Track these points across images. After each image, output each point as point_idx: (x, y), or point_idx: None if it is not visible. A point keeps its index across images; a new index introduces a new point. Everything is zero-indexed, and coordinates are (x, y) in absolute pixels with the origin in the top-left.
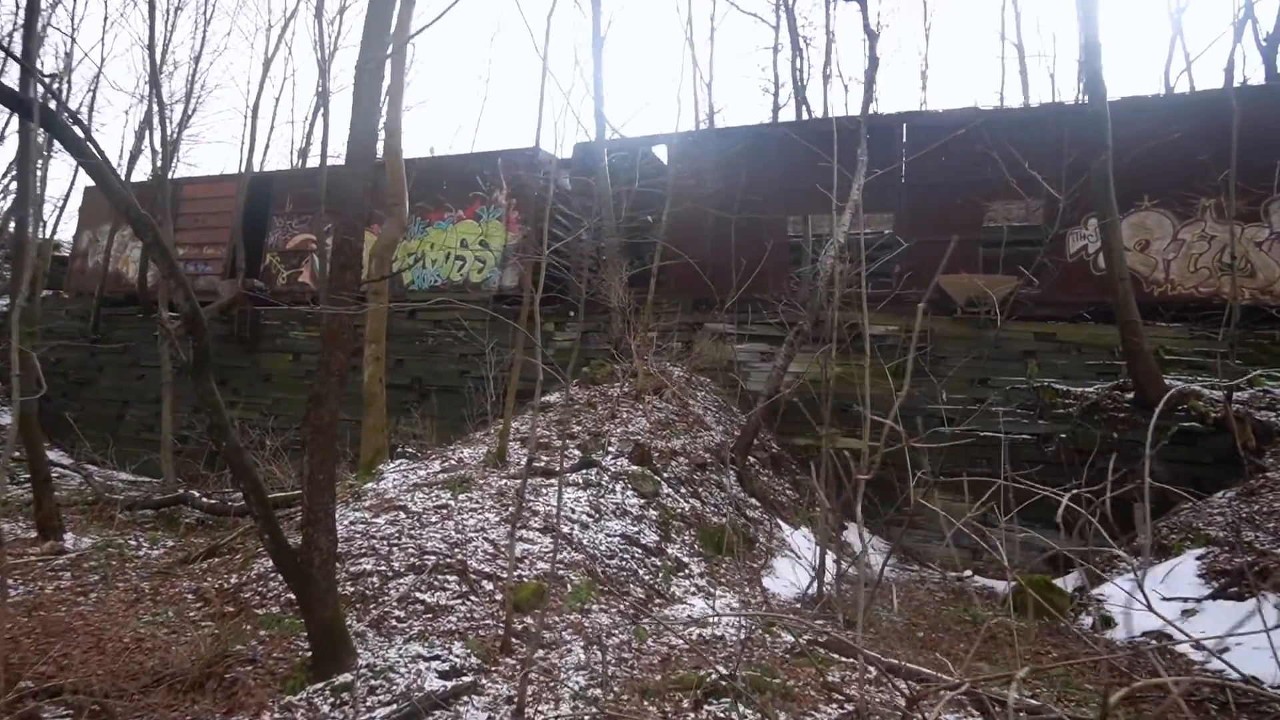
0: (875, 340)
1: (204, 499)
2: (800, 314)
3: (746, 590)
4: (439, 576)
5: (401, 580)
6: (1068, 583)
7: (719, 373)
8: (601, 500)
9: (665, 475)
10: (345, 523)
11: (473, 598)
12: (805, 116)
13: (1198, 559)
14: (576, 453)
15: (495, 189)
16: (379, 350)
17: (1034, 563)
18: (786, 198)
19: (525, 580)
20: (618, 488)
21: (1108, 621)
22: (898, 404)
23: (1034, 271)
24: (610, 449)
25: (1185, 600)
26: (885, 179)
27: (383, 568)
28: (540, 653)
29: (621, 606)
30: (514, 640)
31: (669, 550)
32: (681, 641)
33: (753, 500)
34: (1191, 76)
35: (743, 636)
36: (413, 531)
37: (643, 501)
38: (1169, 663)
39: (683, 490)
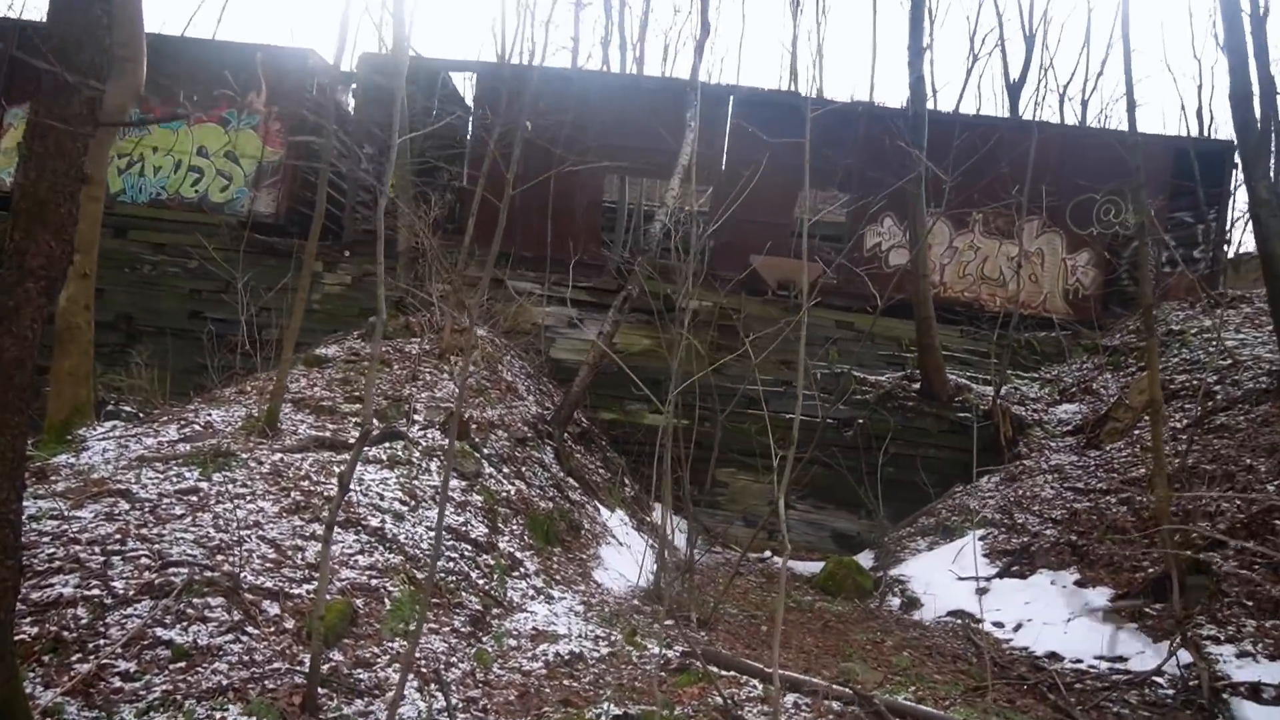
0: (689, 314)
1: None
2: (618, 279)
3: (582, 587)
4: (194, 601)
5: (130, 611)
6: (860, 562)
7: (522, 337)
8: (415, 483)
9: (485, 452)
10: (24, 517)
11: (250, 630)
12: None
13: (980, 539)
14: (374, 421)
15: (251, 91)
16: (87, 264)
17: (826, 543)
18: (603, 156)
19: (327, 597)
20: (433, 467)
21: (914, 602)
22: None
23: (835, 263)
24: (416, 417)
25: (977, 580)
26: (708, 152)
27: (96, 591)
28: (359, 703)
29: (456, 623)
30: (321, 691)
31: (500, 544)
32: (538, 665)
33: (571, 480)
34: (936, 103)
35: (605, 652)
36: (144, 530)
37: (465, 484)
38: (966, 636)
39: (505, 470)
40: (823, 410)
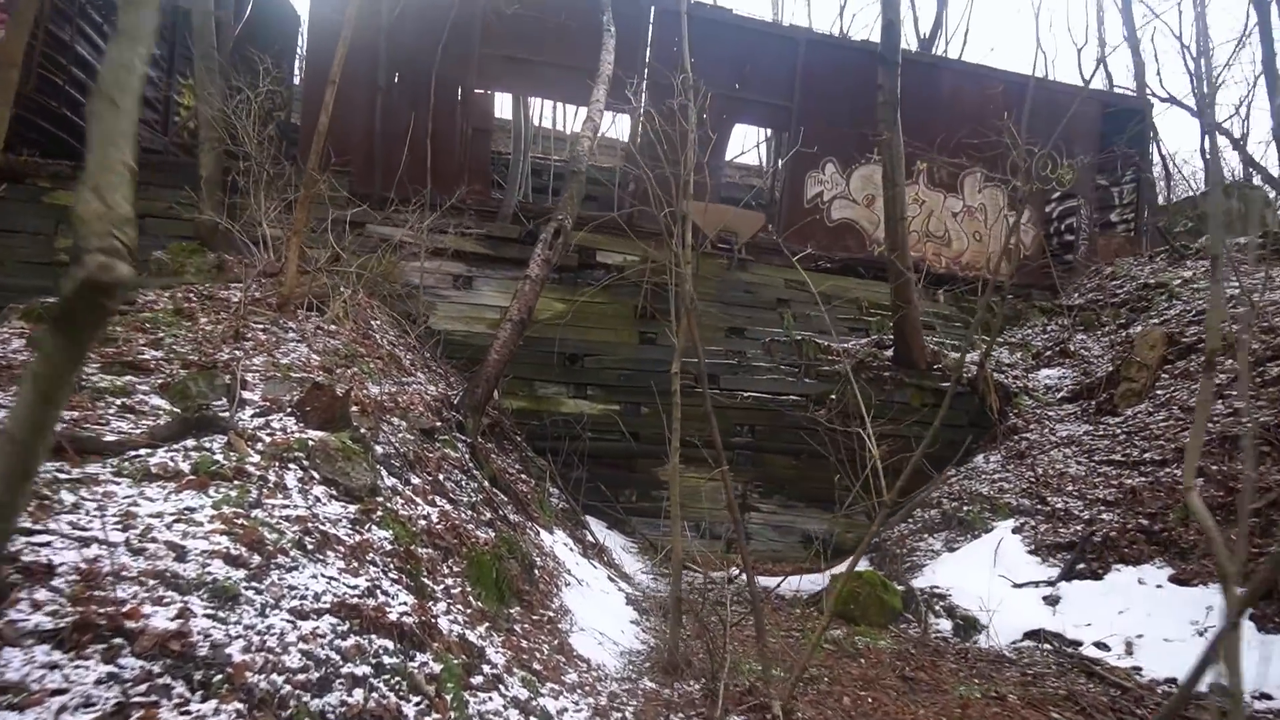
0: (610, 271)
1: None
2: (520, 224)
3: (573, 676)
4: None
5: None
6: (879, 575)
7: (390, 299)
8: (258, 514)
9: (380, 451)
10: None
11: None
12: None
13: (1014, 532)
14: (159, 405)
15: None
16: None
17: (795, 550)
18: (492, 68)
19: None
20: (290, 479)
21: (971, 623)
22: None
23: (771, 212)
24: (249, 394)
25: (1038, 585)
26: (630, 73)
27: None
28: None
29: None
30: None
31: (439, 622)
32: None
33: (498, 491)
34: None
35: None
36: None
37: (355, 509)
38: (1086, 670)
39: (415, 480)
40: (788, 385)
